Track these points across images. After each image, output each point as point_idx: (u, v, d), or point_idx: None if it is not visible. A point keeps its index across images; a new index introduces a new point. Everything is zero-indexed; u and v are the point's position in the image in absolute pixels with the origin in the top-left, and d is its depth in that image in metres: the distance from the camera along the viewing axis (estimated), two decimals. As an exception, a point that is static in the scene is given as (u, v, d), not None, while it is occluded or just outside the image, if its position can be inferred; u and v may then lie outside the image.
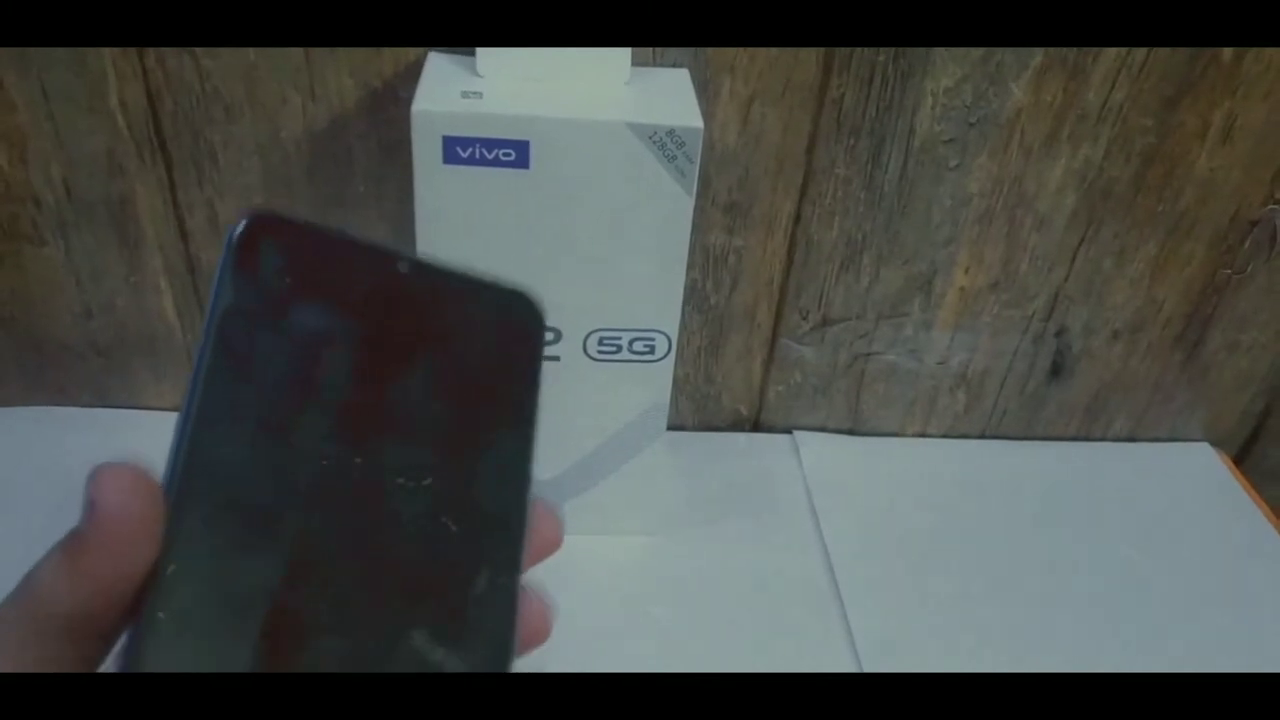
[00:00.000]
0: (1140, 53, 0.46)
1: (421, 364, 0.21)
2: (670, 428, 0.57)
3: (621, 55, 0.41)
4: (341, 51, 0.44)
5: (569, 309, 0.44)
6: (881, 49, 0.45)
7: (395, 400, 0.21)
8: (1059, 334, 0.56)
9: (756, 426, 0.59)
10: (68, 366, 0.53)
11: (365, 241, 0.21)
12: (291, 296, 0.20)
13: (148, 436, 0.53)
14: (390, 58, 0.44)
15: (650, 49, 0.45)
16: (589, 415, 0.47)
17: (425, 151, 0.39)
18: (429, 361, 0.22)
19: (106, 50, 0.43)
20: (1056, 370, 0.58)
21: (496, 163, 0.39)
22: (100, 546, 0.18)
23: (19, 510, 0.48)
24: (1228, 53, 0.46)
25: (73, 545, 0.19)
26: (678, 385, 0.56)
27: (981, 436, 0.60)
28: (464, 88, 0.40)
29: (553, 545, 0.23)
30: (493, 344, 0.22)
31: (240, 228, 0.20)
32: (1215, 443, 0.61)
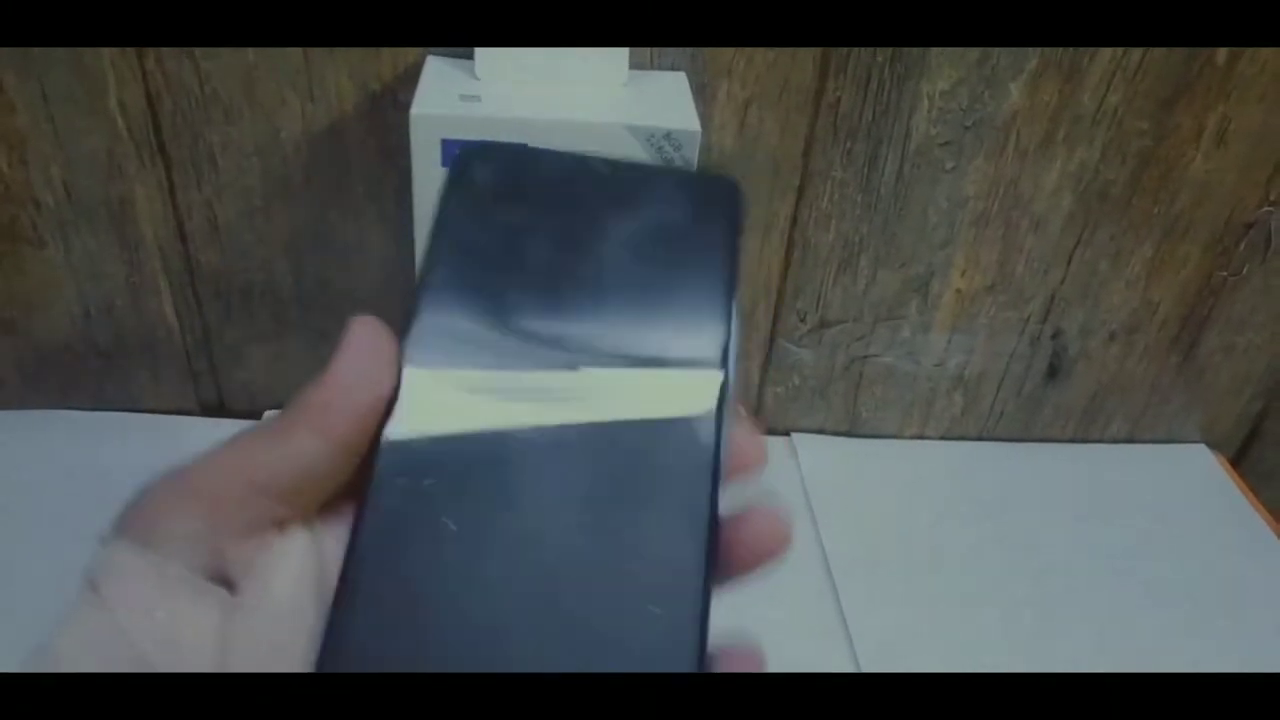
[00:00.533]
0: (1135, 56, 0.46)
1: (626, 244, 0.23)
2: (668, 429, 0.58)
3: (619, 58, 0.42)
4: (340, 54, 0.44)
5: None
6: (879, 52, 0.46)
7: (604, 276, 0.23)
8: (1055, 336, 0.56)
9: (754, 428, 0.59)
10: (67, 368, 0.53)
11: (566, 152, 0.24)
12: (504, 199, 0.23)
13: (147, 439, 0.54)
14: (389, 60, 0.44)
15: (648, 53, 0.45)
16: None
17: (424, 154, 0.39)
18: (632, 241, 0.23)
19: (106, 52, 0.43)
20: (1053, 372, 0.58)
21: (495, 165, 0.39)
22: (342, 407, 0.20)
23: (18, 513, 0.48)
24: (1222, 56, 0.47)
25: (315, 402, 0.20)
26: (676, 387, 0.56)
27: (979, 438, 0.60)
28: (462, 91, 0.40)
29: (756, 460, 0.23)
30: (693, 224, 0.24)
31: (458, 154, 0.23)
32: (1212, 445, 0.61)
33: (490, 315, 0.22)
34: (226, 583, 0.20)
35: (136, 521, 0.20)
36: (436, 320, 0.22)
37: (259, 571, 0.20)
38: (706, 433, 0.22)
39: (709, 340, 0.23)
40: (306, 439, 0.20)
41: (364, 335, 0.21)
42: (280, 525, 0.20)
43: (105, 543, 0.20)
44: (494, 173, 0.23)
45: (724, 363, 0.23)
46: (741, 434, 0.23)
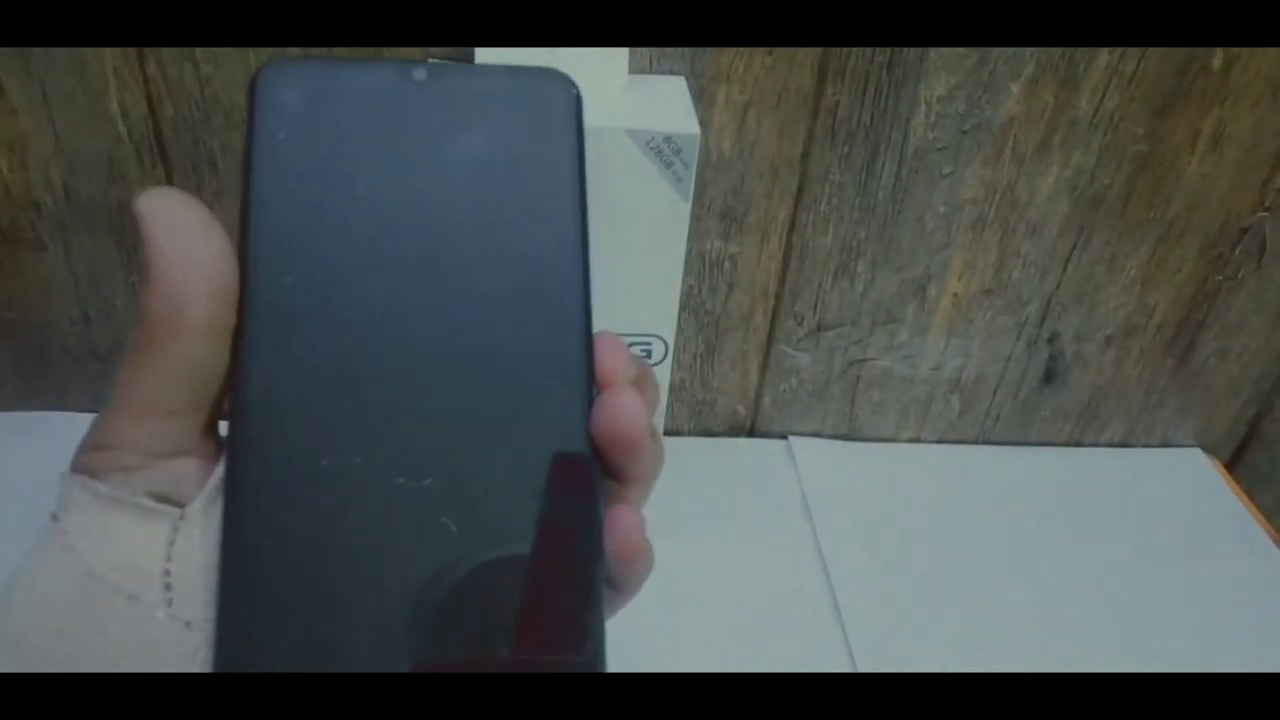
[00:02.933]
0: (1131, 62, 0.47)
1: (457, 160, 0.22)
2: (666, 433, 0.58)
3: (618, 63, 0.42)
4: (341, 57, 0.44)
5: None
6: (877, 56, 0.46)
7: (438, 199, 0.22)
8: (1052, 340, 0.56)
9: (752, 432, 0.59)
10: (66, 371, 0.53)
11: (377, 61, 0.23)
12: (318, 120, 0.22)
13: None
14: (389, 65, 0.44)
15: (647, 57, 0.45)
16: (586, 420, 0.47)
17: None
18: (463, 157, 0.22)
19: (107, 56, 0.44)
20: (1049, 376, 0.58)
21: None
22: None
23: (15, 515, 0.48)
24: (1217, 62, 0.47)
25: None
26: (674, 391, 0.56)
27: (975, 442, 0.60)
28: (462, 94, 0.40)
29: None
30: (526, 127, 0.23)
31: (257, 74, 0.22)
32: (1208, 448, 0.62)
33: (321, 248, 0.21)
34: (176, 502, 0.20)
35: (84, 458, 0.21)
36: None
37: (206, 485, 0.20)
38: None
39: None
40: (167, 350, 0.20)
41: (161, 209, 0.20)
42: (210, 429, 0.21)
43: (63, 479, 0.21)
44: (304, 92, 0.22)
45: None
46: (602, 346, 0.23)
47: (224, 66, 0.44)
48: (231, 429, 0.20)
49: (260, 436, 0.20)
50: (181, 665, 0.19)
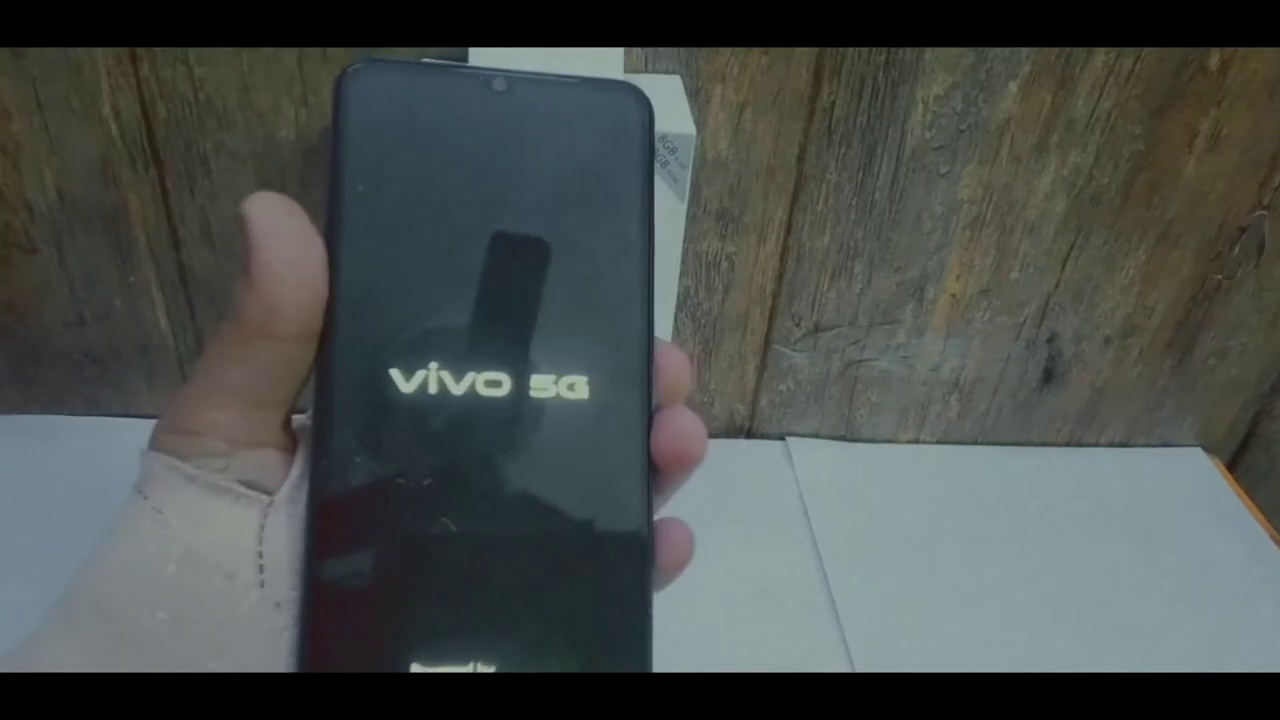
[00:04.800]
0: (1127, 61, 0.47)
1: (532, 170, 0.23)
2: (664, 434, 0.57)
3: (614, 62, 0.42)
4: (334, 58, 0.44)
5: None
6: (873, 57, 0.46)
7: (514, 208, 0.23)
8: (1050, 340, 0.56)
9: (750, 433, 0.59)
10: (61, 374, 0.53)
11: (459, 67, 0.24)
12: (402, 125, 0.22)
13: (141, 445, 0.53)
14: (384, 66, 0.44)
15: (642, 57, 0.45)
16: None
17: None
18: (539, 167, 0.23)
19: (100, 59, 0.43)
20: (1048, 377, 0.58)
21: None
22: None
23: (12, 519, 0.48)
24: (1214, 62, 0.47)
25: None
26: (671, 392, 0.56)
27: (974, 443, 0.60)
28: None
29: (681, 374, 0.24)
30: (599, 140, 0.24)
31: (342, 74, 0.22)
32: (1208, 448, 0.62)
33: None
34: (263, 489, 0.21)
35: (168, 439, 0.21)
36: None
37: (290, 475, 0.22)
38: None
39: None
40: (261, 350, 0.21)
41: (267, 215, 0.21)
42: (288, 423, 0.22)
43: (146, 456, 0.21)
44: (388, 96, 0.23)
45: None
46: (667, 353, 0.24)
47: (217, 69, 0.44)
48: (315, 423, 0.21)
49: (343, 433, 0.21)
50: (270, 642, 0.20)
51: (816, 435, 0.59)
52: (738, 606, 0.48)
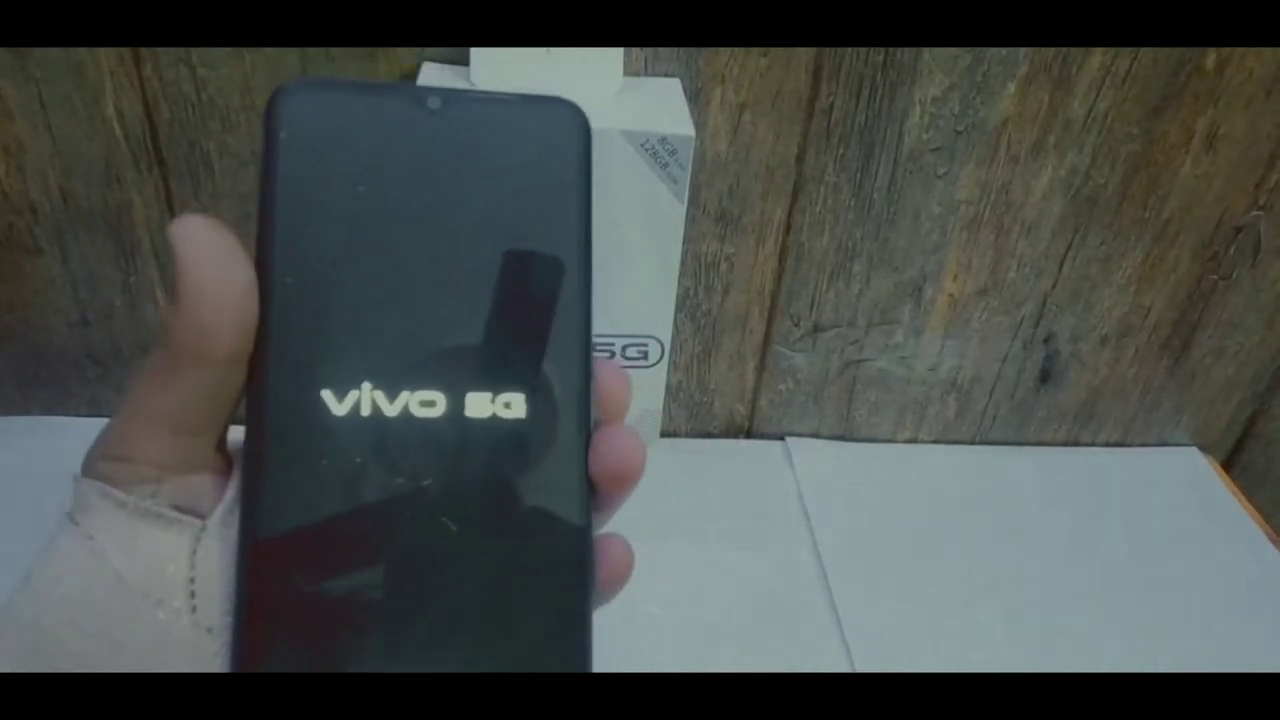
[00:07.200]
0: (1124, 62, 0.47)
1: (468, 186, 0.23)
2: (663, 434, 0.58)
3: (614, 64, 0.42)
4: (336, 60, 0.44)
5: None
6: (871, 58, 0.46)
7: (450, 224, 0.22)
8: (1047, 340, 0.57)
9: (749, 433, 0.59)
10: (64, 376, 0.53)
11: (393, 86, 0.23)
12: (335, 143, 0.22)
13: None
14: (384, 66, 0.45)
15: (642, 59, 0.45)
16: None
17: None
18: (474, 186, 0.23)
19: (104, 60, 0.44)
20: (1045, 376, 0.58)
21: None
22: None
23: (12, 520, 0.48)
24: (1210, 62, 0.47)
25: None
26: (671, 392, 0.56)
27: (972, 443, 0.60)
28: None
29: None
30: (535, 157, 0.23)
31: (275, 93, 0.22)
32: (1204, 448, 0.62)
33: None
34: (196, 513, 0.21)
35: (100, 466, 0.21)
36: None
37: (224, 498, 0.21)
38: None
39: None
40: (191, 374, 0.21)
41: (194, 238, 0.21)
42: (221, 446, 0.22)
43: (79, 482, 0.21)
44: (321, 115, 0.22)
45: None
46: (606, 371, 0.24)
47: (220, 69, 0.44)
48: (247, 446, 0.21)
49: (277, 455, 0.21)
50: (202, 668, 0.20)
51: (816, 435, 0.59)
52: (737, 605, 0.48)
